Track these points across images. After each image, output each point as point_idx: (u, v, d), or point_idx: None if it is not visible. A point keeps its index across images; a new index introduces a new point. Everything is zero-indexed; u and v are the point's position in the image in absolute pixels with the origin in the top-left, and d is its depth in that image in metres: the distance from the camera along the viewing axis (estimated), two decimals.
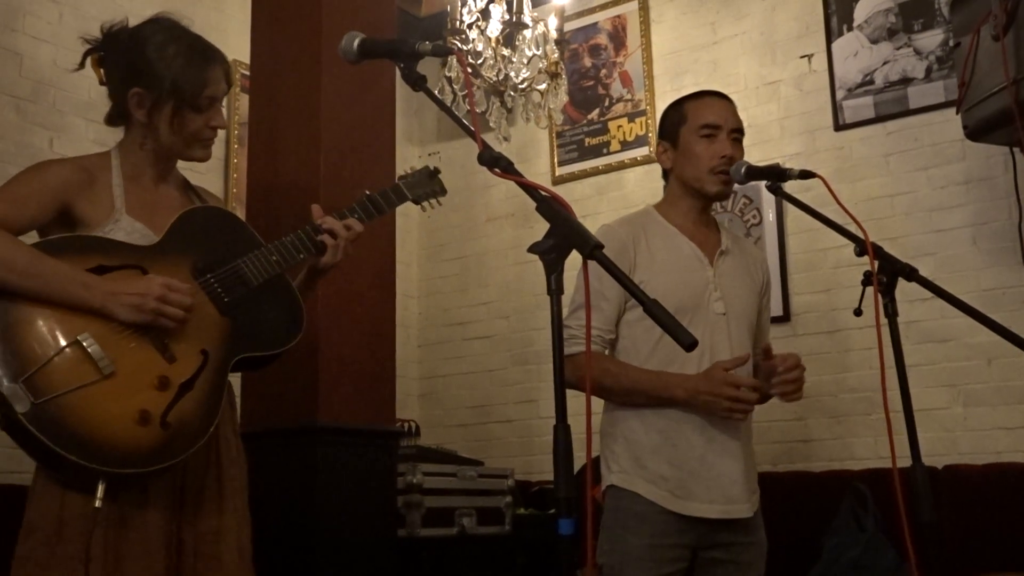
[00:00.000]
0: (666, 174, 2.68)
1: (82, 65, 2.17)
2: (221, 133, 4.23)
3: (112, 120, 2.18)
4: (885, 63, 4.25)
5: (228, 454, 2.15)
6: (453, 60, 4.12)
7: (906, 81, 4.19)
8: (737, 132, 2.59)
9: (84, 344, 1.90)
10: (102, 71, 2.15)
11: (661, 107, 2.84)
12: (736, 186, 2.58)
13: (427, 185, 2.48)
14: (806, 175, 2.34)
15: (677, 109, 2.65)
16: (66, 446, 1.82)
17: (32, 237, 2.03)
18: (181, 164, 2.26)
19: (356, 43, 1.93)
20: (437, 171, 2.52)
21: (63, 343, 1.89)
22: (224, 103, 2.23)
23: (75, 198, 2.06)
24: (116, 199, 2.09)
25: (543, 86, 4.27)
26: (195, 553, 2.04)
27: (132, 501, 1.96)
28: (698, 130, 2.57)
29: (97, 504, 1.86)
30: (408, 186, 2.43)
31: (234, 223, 2.26)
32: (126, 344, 1.94)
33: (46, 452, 1.83)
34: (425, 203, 2.49)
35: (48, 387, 1.84)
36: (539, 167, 5.18)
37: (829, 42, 4.40)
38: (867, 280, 2.10)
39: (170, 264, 2.05)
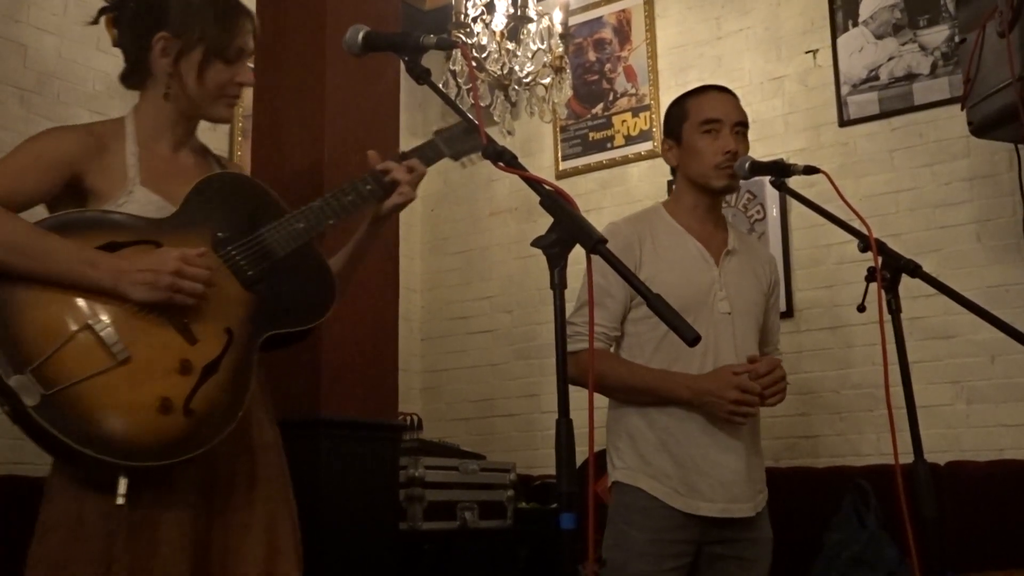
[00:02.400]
0: (674, 172, 2.68)
1: (96, 21, 2.03)
2: (223, 126, 4.23)
3: (128, 77, 2.03)
4: (890, 59, 4.24)
5: (261, 439, 2.00)
6: (457, 54, 4.12)
7: (911, 77, 4.18)
8: (740, 126, 2.58)
9: (96, 328, 1.74)
10: (115, 31, 2.01)
11: (665, 102, 2.83)
12: (740, 181, 2.58)
13: (466, 141, 2.27)
14: (810, 171, 2.33)
15: (680, 106, 2.65)
16: (81, 440, 1.67)
17: (40, 213, 1.90)
18: None
19: (360, 36, 1.93)
20: (477, 126, 2.34)
21: (73, 328, 1.73)
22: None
23: (84, 168, 1.90)
24: (130, 168, 1.93)
25: (547, 80, 4.27)
26: (224, 548, 1.89)
27: (157, 496, 1.81)
28: (700, 126, 2.57)
29: (119, 501, 1.70)
30: (445, 142, 2.23)
31: (256, 190, 2.08)
32: (142, 326, 1.78)
33: (60, 447, 1.69)
34: (465, 159, 2.29)
35: (59, 377, 1.69)
36: (543, 161, 5.17)
37: (834, 38, 4.39)
38: (870, 276, 2.10)
39: (188, 237, 1.88)
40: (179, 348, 1.81)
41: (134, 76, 2.02)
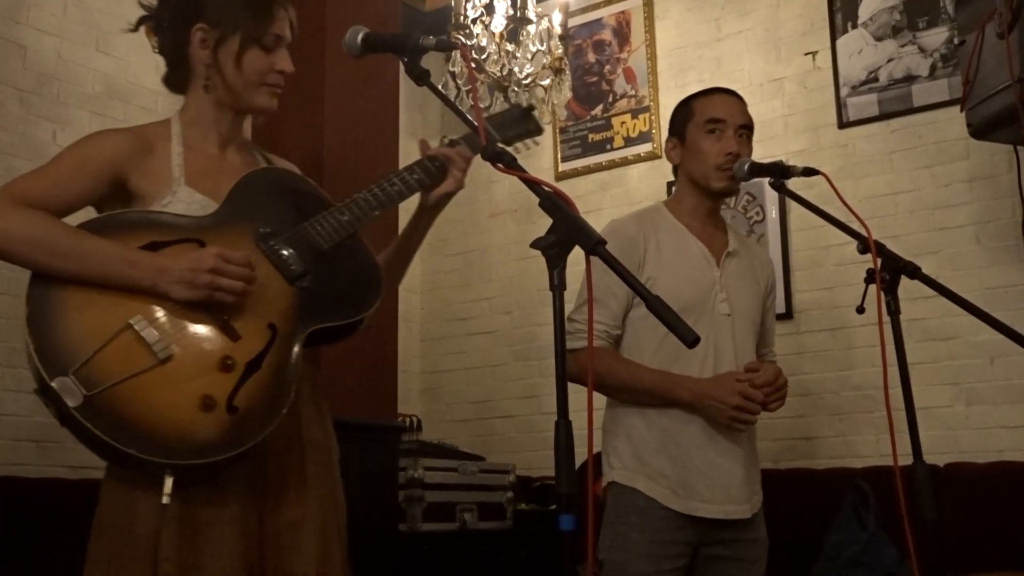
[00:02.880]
0: (675, 171, 2.69)
1: (135, 29, 2.06)
2: None
3: (171, 78, 2.04)
4: (889, 60, 4.25)
5: (310, 435, 1.97)
6: (457, 55, 4.12)
7: (910, 79, 4.19)
8: (744, 129, 2.59)
9: (136, 328, 1.74)
10: (156, 37, 2.03)
11: (665, 103, 2.84)
12: (739, 183, 2.59)
13: (519, 125, 2.25)
14: (809, 172, 2.34)
15: (686, 105, 2.66)
16: (124, 440, 1.67)
17: (90, 214, 1.91)
18: None
19: (360, 37, 1.93)
20: (532, 108, 2.31)
21: (114, 328, 1.73)
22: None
23: (129, 171, 1.90)
24: (174, 168, 1.93)
25: (547, 82, 4.27)
26: (276, 545, 1.87)
27: (206, 494, 1.80)
28: (704, 125, 2.57)
29: (164, 500, 1.70)
30: (497, 127, 2.20)
31: (300, 183, 2.07)
32: (183, 324, 1.78)
33: (106, 448, 1.69)
34: (519, 144, 2.27)
35: (101, 377, 1.69)
36: (542, 162, 5.17)
37: (834, 39, 4.40)
38: (870, 278, 2.10)
39: (230, 233, 1.88)
40: (221, 345, 1.80)
41: (176, 75, 2.03)
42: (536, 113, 2.30)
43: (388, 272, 2.08)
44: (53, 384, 1.66)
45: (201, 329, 1.79)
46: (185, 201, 1.90)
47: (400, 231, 2.21)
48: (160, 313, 1.78)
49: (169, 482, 1.70)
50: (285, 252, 1.91)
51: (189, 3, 1.99)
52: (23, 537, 3.16)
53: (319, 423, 2.02)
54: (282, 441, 1.89)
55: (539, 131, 2.30)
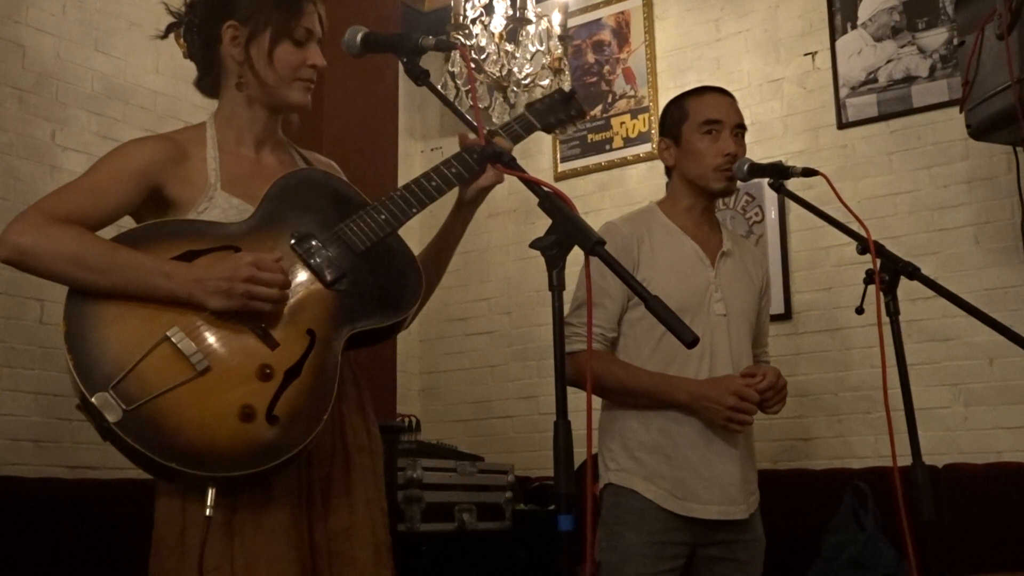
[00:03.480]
0: (668, 171, 2.68)
1: (165, 37, 2.05)
2: None
3: (203, 81, 2.03)
4: (889, 61, 4.25)
5: (355, 441, 1.95)
6: (456, 55, 4.12)
7: (910, 79, 4.19)
8: (739, 128, 2.59)
9: (173, 340, 1.73)
10: (185, 42, 2.02)
11: (664, 104, 2.84)
12: (739, 183, 2.59)
13: (562, 109, 2.22)
14: (809, 173, 2.34)
15: (679, 105, 2.65)
16: (165, 454, 1.66)
17: (127, 223, 1.89)
18: None
19: (359, 37, 1.93)
20: (574, 92, 2.27)
21: (152, 341, 1.72)
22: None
23: (165, 178, 1.89)
24: (210, 173, 1.91)
25: (546, 82, 4.27)
26: (328, 553, 1.85)
27: (252, 504, 1.78)
28: (700, 126, 2.57)
29: (208, 513, 1.68)
30: (537, 114, 2.17)
31: (336, 183, 2.02)
32: (220, 334, 1.76)
33: (149, 462, 1.67)
34: (559, 129, 2.25)
35: (140, 391, 1.67)
36: (541, 163, 5.17)
37: (833, 40, 4.40)
38: (869, 278, 2.11)
39: (266, 238, 1.85)
40: (259, 354, 1.77)
41: (208, 77, 2.02)
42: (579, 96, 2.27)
43: (427, 270, 2.04)
44: (93, 400, 1.65)
45: (239, 338, 1.77)
46: (222, 207, 1.88)
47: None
48: (197, 324, 1.76)
49: (212, 494, 1.69)
50: (322, 255, 1.88)
51: (219, 1, 1.97)
52: (21, 537, 3.16)
53: (364, 427, 1.99)
54: (327, 447, 1.88)
55: (582, 115, 2.28)
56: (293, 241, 1.88)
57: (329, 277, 1.87)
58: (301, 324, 1.82)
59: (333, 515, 1.88)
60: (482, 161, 1.98)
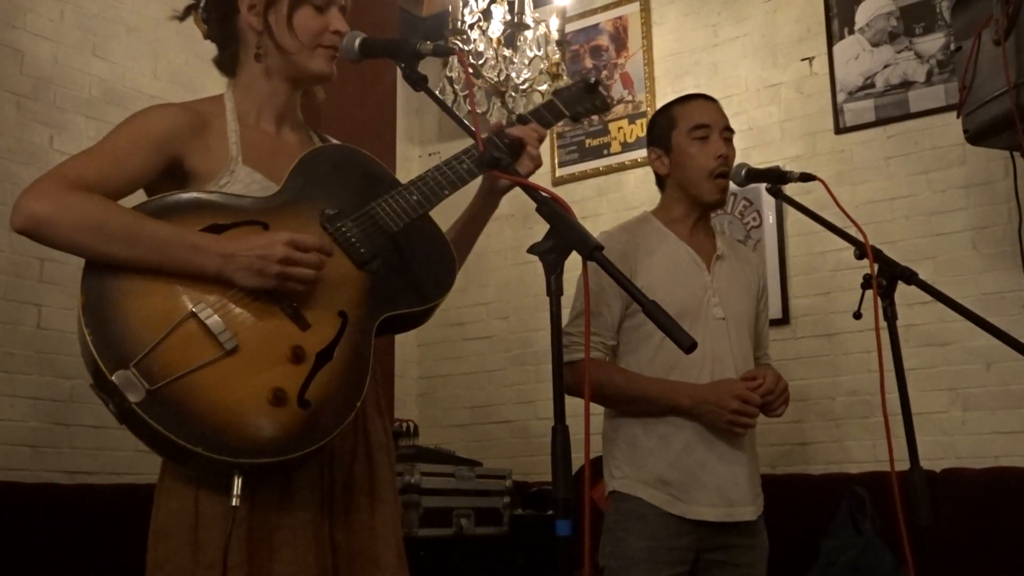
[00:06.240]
0: (660, 181, 2.69)
1: (183, 19, 1.96)
2: None
3: (222, 57, 1.92)
4: (886, 66, 4.25)
5: (376, 438, 1.86)
6: (454, 60, 4.12)
7: (907, 85, 4.19)
8: (728, 131, 2.60)
9: (201, 316, 1.62)
10: (204, 24, 1.92)
11: None
12: (736, 188, 2.59)
13: (586, 100, 2.19)
14: (806, 178, 2.34)
15: (666, 115, 2.66)
16: (190, 437, 1.54)
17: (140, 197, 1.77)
18: None
19: (357, 42, 1.92)
20: (598, 83, 2.23)
21: (177, 317, 1.61)
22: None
23: (185, 149, 1.78)
24: (232, 147, 1.81)
25: (544, 87, 4.27)
26: (349, 554, 1.76)
27: (275, 497, 1.69)
28: (690, 132, 2.58)
29: (234, 503, 1.57)
30: (565, 102, 2.15)
31: (364, 161, 1.94)
32: (250, 312, 1.66)
33: (170, 446, 1.56)
34: (585, 119, 2.24)
35: (164, 370, 1.56)
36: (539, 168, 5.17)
37: (830, 45, 4.40)
38: (866, 283, 2.11)
39: (295, 215, 1.76)
40: (290, 335, 1.67)
41: (227, 52, 1.92)
42: (602, 88, 2.25)
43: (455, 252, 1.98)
44: (113, 378, 1.53)
45: (269, 318, 1.67)
46: (244, 181, 1.79)
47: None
48: (225, 301, 1.65)
49: (239, 482, 1.58)
50: (353, 235, 1.80)
51: None
52: (19, 543, 3.16)
53: (382, 425, 1.92)
54: (349, 443, 1.80)
55: (606, 107, 2.26)
56: (323, 219, 1.79)
57: (361, 258, 1.79)
58: (333, 305, 1.73)
59: (355, 515, 1.79)
60: (481, 167, 1.96)
